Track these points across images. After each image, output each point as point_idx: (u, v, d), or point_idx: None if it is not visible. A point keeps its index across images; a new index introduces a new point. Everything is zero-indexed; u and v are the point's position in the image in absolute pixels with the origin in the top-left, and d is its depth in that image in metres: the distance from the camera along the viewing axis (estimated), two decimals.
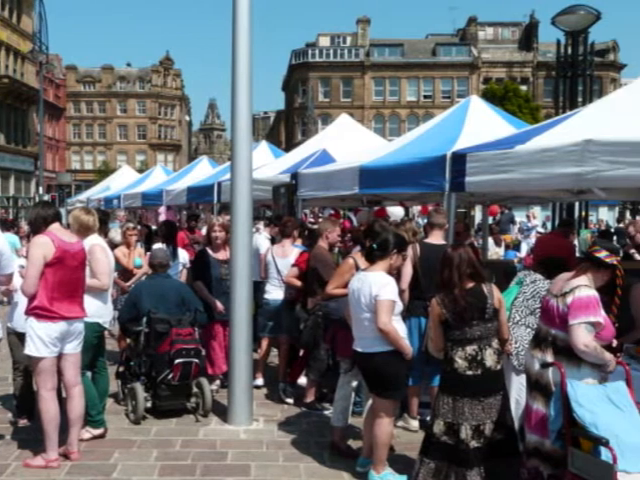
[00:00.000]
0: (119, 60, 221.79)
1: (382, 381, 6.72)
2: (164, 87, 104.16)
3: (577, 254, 9.55)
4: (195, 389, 8.93)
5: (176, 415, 8.85)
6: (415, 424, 8.36)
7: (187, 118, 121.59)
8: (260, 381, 10.22)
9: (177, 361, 8.62)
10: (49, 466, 7.05)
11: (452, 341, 6.22)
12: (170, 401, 8.88)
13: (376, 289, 6.54)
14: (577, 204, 18.19)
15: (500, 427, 6.23)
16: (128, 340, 9.47)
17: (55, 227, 7.14)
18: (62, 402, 7.51)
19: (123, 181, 30.91)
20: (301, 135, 76.98)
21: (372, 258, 6.83)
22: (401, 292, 7.41)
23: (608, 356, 5.78)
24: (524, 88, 72.43)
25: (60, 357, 7.18)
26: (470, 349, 6.14)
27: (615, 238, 18.88)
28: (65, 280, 7.01)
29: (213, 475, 7.07)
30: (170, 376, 8.65)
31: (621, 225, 30.60)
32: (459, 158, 8.49)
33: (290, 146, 57.73)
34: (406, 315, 7.63)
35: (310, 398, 9.14)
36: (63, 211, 18.31)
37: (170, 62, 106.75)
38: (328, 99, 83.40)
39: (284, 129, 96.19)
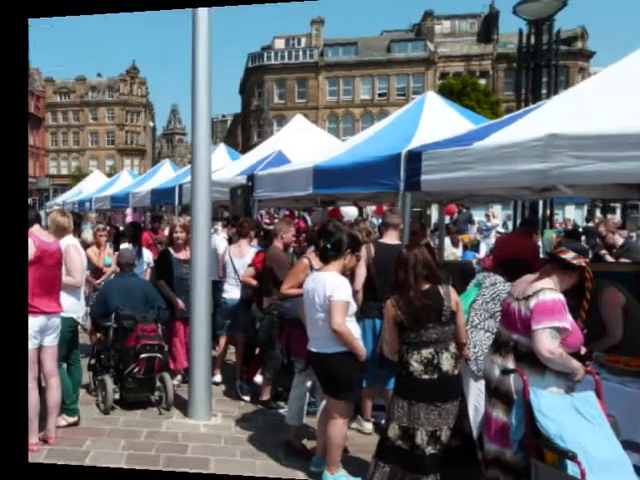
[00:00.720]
0: (91, 70, 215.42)
1: (335, 382, 5.80)
2: (130, 95, 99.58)
3: (541, 255, 8.26)
4: (158, 383, 8.21)
5: (141, 407, 8.11)
6: (369, 427, 7.19)
7: (151, 124, 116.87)
8: (218, 378, 9.15)
9: (142, 356, 7.95)
10: (30, 450, 6.46)
11: (408, 344, 5.20)
12: (136, 393, 8.20)
13: (330, 289, 5.63)
14: (541, 202, 15.89)
15: (457, 434, 5.14)
16: (99, 334, 8.73)
17: (35, 228, 6.80)
18: (41, 391, 7.12)
19: (94, 185, 29.84)
20: (257, 137, 69.41)
21: (326, 258, 5.91)
22: (355, 293, 6.36)
23: (576, 364, 4.59)
24: (483, 82, 61.70)
25: (40, 349, 6.81)
26: (426, 352, 5.12)
27: (584, 238, 15.81)
28: (44, 277, 6.64)
29: (175, 467, 6.41)
30: (136, 370, 8.00)
31: (590, 224, 25.51)
32: (414, 156, 7.19)
33: (246, 148, 51.81)
34: (360, 316, 6.52)
35: (266, 396, 8.07)
36: (42, 213, 17.16)
37: (136, 71, 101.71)
38: (283, 101, 75.11)
39: (241, 132, 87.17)
